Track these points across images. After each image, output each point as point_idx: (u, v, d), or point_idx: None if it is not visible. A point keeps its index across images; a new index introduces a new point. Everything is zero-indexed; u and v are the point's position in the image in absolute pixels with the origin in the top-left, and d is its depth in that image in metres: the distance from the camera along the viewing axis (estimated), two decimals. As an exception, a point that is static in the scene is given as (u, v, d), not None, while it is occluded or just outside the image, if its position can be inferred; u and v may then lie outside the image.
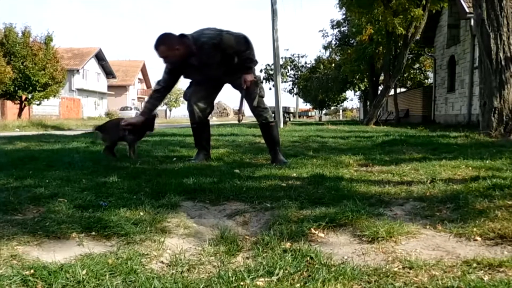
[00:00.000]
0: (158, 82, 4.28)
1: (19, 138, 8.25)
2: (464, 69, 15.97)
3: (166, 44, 3.89)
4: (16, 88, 22.03)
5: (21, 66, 21.91)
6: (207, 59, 3.98)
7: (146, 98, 4.44)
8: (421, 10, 15.14)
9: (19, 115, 23.27)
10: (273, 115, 4.55)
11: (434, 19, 18.57)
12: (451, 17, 17.47)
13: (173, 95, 68.44)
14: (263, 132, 4.38)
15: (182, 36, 3.93)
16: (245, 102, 4.27)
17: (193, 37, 3.94)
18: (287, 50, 55.80)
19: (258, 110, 4.23)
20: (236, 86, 4.28)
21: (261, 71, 35.83)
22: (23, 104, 23.45)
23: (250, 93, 4.16)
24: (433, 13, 16.88)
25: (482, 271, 1.55)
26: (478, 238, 1.90)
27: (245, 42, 4.00)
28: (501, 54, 7.00)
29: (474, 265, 1.60)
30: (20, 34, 22.90)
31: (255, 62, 4.12)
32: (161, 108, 69.32)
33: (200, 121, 4.40)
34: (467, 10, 13.73)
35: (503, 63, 6.99)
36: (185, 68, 4.13)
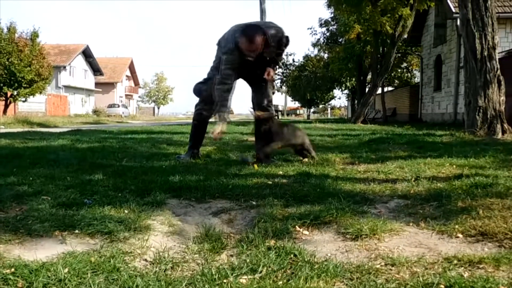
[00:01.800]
0: (223, 82, 3.95)
1: (4, 135, 8.14)
2: (450, 68, 16.14)
3: (261, 35, 3.76)
4: (1, 85, 21.71)
5: (7, 62, 21.58)
6: (268, 52, 3.94)
7: (220, 100, 3.98)
8: (408, 9, 15.27)
9: (4, 112, 22.94)
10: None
11: (421, 19, 18.73)
12: (438, 17, 17.64)
13: (161, 93, 68.15)
14: (259, 130, 4.35)
15: (259, 27, 3.86)
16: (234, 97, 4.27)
17: (264, 27, 3.89)
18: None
19: (268, 103, 4.22)
20: (252, 80, 4.23)
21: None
22: (8, 101, 23.11)
23: (267, 87, 4.19)
24: (421, 13, 17.02)
25: (463, 268, 1.58)
26: (460, 235, 1.93)
27: (288, 40, 4.03)
28: (485, 54, 7.07)
29: (455, 261, 1.62)
30: (5, 30, 22.53)
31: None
32: (148, 105, 68.92)
33: (204, 121, 4.37)
34: (453, 10, 13.86)
35: (487, 62, 7.07)
36: (243, 61, 3.93)
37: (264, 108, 4.21)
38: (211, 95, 4.07)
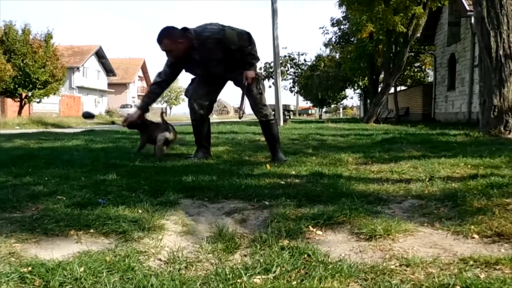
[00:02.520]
0: (159, 75, 4.26)
1: (19, 135, 8.25)
2: (464, 67, 15.96)
3: (169, 37, 3.90)
4: (16, 86, 22.00)
5: (21, 64, 21.88)
6: (209, 55, 3.98)
7: (146, 92, 4.45)
8: (421, 8, 15.12)
9: (19, 112, 23.25)
10: (273, 112, 4.52)
11: (435, 17, 18.55)
12: (451, 15, 17.46)
13: (173, 93, 68.50)
14: (263, 129, 4.38)
15: (185, 29, 3.93)
16: (245, 99, 4.27)
17: (196, 32, 3.94)
18: (285, 48, 55.70)
19: (258, 107, 4.22)
20: (237, 83, 4.27)
21: (260, 69, 35.83)
22: (23, 102, 23.42)
23: (251, 89, 4.16)
24: (434, 11, 16.87)
25: (479, 269, 1.56)
26: (476, 236, 1.91)
27: (248, 38, 3.99)
28: (501, 52, 6.99)
29: (471, 262, 1.60)
30: (20, 32, 22.85)
31: (257, 59, 4.12)
32: (161, 105, 69.36)
33: (201, 119, 4.40)
34: (467, 8, 13.72)
35: (503, 61, 6.98)
36: (187, 62, 4.12)
37: (258, 114, 4.24)
38: (196, 92, 4.31)
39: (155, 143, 4.43)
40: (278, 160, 4.15)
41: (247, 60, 4.06)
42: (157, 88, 4.31)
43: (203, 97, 4.33)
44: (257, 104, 4.21)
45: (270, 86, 27.69)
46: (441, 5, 15.79)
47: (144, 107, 4.34)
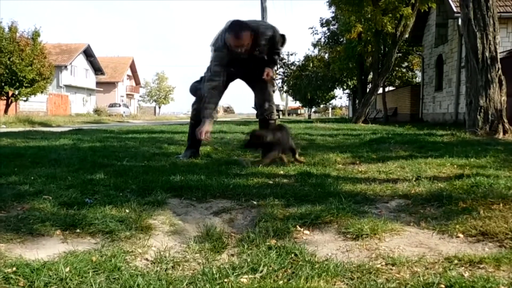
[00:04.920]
0: (212, 79, 3.93)
1: (5, 134, 8.15)
2: (452, 68, 16.12)
3: (249, 30, 3.74)
4: (3, 84, 21.74)
5: (8, 62, 21.62)
6: (260, 50, 3.94)
7: (207, 97, 3.93)
8: (409, 9, 15.24)
9: (6, 111, 22.97)
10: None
11: (423, 18, 18.71)
12: (439, 16, 17.61)
13: (162, 92, 68.17)
14: (262, 127, 4.35)
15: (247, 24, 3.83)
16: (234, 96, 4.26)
17: (253, 26, 3.84)
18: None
19: (270, 105, 4.23)
20: (250, 80, 4.27)
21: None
22: (9, 100, 23.14)
23: (269, 86, 4.18)
24: (422, 12, 16.99)
25: (463, 268, 1.58)
26: (461, 235, 1.93)
27: (280, 37, 4.03)
28: (487, 54, 7.07)
29: (456, 261, 1.63)
30: (6, 29, 22.57)
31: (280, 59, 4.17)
32: (149, 105, 68.96)
33: (200, 120, 4.35)
34: (455, 9, 13.85)
35: (488, 62, 7.06)
36: (233, 59, 3.93)
37: (265, 110, 4.21)
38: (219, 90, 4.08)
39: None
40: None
41: (274, 58, 4.08)
42: (217, 92, 3.98)
43: (218, 96, 4.13)
44: (270, 100, 4.22)
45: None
46: (428, 7, 15.93)
47: (211, 114, 3.98)
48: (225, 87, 4.16)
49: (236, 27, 3.73)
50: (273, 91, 4.24)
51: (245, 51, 3.81)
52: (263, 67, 4.08)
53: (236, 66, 4.03)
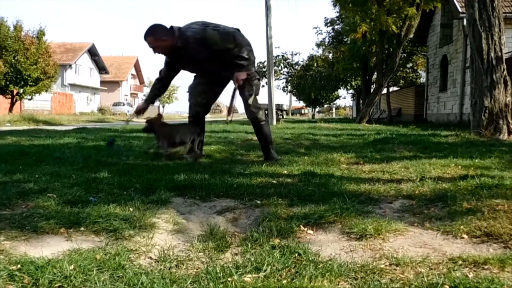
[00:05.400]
0: (159, 72, 4.30)
1: (10, 132, 8.19)
2: (456, 68, 16.07)
3: (153, 34, 3.90)
4: (8, 83, 21.82)
5: (13, 61, 21.69)
6: (195, 54, 3.96)
7: (151, 89, 4.56)
8: (414, 9, 15.19)
9: (10, 109, 23.06)
10: (266, 112, 4.44)
11: (428, 19, 18.66)
12: (444, 17, 17.56)
13: (166, 91, 68.22)
14: (255, 129, 4.36)
15: (170, 28, 3.92)
16: (239, 98, 4.25)
17: (180, 31, 3.92)
18: (279, 47, 55.71)
19: (250, 108, 4.16)
20: (217, 84, 4.30)
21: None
22: (14, 99, 23.23)
23: (244, 91, 4.10)
24: (427, 13, 16.94)
25: (467, 268, 1.57)
26: (465, 236, 1.93)
27: (232, 39, 3.89)
28: (492, 54, 7.04)
29: (460, 262, 1.62)
30: (11, 28, 22.64)
31: (247, 60, 4.00)
32: (155, 104, 69.18)
33: (197, 115, 4.38)
34: (460, 10, 13.80)
35: (494, 63, 7.03)
36: (180, 60, 4.11)
37: (248, 113, 4.19)
38: (194, 89, 4.36)
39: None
40: (269, 160, 4.15)
41: (235, 62, 3.97)
42: (159, 85, 4.36)
43: (202, 94, 4.33)
44: (248, 106, 4.15)
45: (263, 86, 27.69)
46: (433, 7, 15.88)
47: (149, 100, 4.48)
48: (216, 88, 4.39)
49: (145, 31, 3.93)
50: (250, 95, 4.10)
51: (163, 52, 4.02)
52: (227, 69, 4.06)
53: (188, 66, 4.19)
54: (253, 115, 4.19)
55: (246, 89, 4.10)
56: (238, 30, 4.01)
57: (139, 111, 4.44)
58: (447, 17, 17.21)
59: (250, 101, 4.13)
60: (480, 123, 7.13)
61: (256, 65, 4.31)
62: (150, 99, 4.47)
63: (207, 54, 3.94)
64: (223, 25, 4.02)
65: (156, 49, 4.00)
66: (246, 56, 4.00)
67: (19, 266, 1.49)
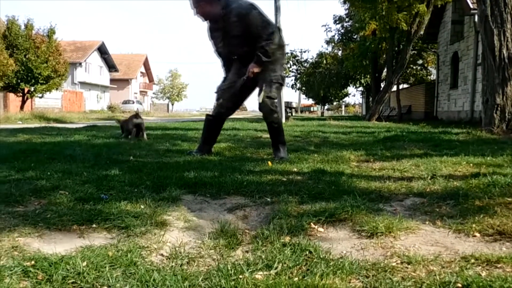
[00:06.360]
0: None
1: (22, 130, 8.27)
2: (468, 65, 15.91)
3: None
4: (19, 81, 22.00)
5: (24, 59, 21.87)
6: (230, 27, 3.97)
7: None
8: (425, 6, 15.07)
9: (22, 107, 23.28)
10: (280, 116, 4.33)
11: (438, 15, 18.48)
12: (455, 13, 17.38)
13: (175, 89, 68.47)
14: (268, 127, 4.35)
15: None
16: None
17: (227, 1, 3.95)
18: (288, 45, 55.52)
19: (264, 109, 4.13)
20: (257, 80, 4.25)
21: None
22: (25, 97, 23.44)
23: (261, 90, 4.08)
24: (437, 9, 16.80)
25: (480, 267, 1.56)
26: (477, 234, 1.91)
27: (270, 33, 3.93)
28: (504, 51, 6.97)
29: (472, 260, 1.61)
30: (22, 27, 22.83)
31: (268, 56, 3.96)
32: (163, 102, 69.34)
33: (218, 116, 4.36)
34: (471, 6, 13.66)
35: (506, 60, 6.96)
36: (215, 33, 4.15)
37: (263, 110, 4.17)
38: (226, 91, 4.26)
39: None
40: (277, 158, 4.13)
41: (257, 52, 3.96)
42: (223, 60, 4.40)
43: (232, 99, 4.30)
44: (264, 106, 4.11)
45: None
46: (444, 4, 15.73)
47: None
48: (244, 94, 4.40)
49: None
50: (268, 97, 4.07)
51: (204, 15, 4.06)
52: (247, 63, 4.05)
53: (220, 41, 4.18)
54: (268, 118, 4.18)
55: (265, 89, 4.08)
56: (279, 28, 4.02)
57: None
58: (458, 13, 17.04)
59: (264, 100, 4.10)
60: (491, 121, 7.07)
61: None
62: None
63: (240, 32, 3.95)
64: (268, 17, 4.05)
65: (198, 10, 4.02)
66: (270, 54, 3.98)
67: (33, 262, 1.51)
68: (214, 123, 4.40)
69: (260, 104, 4.15)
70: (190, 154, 4.30)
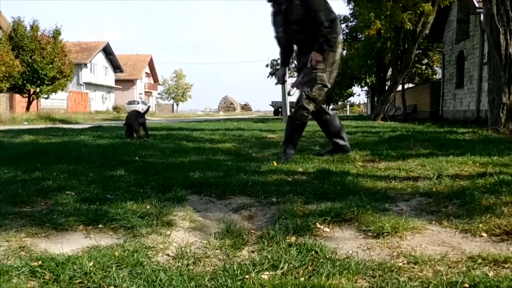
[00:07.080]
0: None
1: (28, 131, 8.31)
2: (473, 64, 15.83)
3: None
4: (25, 82, 22.15)
5: (30, 60, 22.02)
6: (290, 11, 3.96)
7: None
8: (430, 5, 15.00)
9: (27, 108, 23.42)
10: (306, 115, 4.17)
11: (443, 14, 18.39)
12: (460, 12, 17.31)
13: (180, 90, 68.61)
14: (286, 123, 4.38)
15: None
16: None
17: None
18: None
19: (297, 104, 4.12)
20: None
21: (267, 66, 35.78)
22: (31, 98, 23.59)
23: (304, 87, 4.05)
24: (442, 8, 16.70)
25: (487, 267, 1.55)
26: (484, 234, 1.90)
27: (330, 20, 3.89)
28: (510, 50, 6.93)
29: (479, 261, 1.60)
30: (28, 28, 22.99)
31: (330, 45, 3.90)
32: (167, 102, 69.47)
33: (305, 123, 4.28)
34: (476, 5, 13.60)
35: (512, 58, 6.92)
36: (277, 17, 4.17)
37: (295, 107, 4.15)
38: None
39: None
40: (282, 155, 4.11)
41: (319, 40, 3.89)
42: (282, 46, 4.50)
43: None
44: (298, 101, 4.12)
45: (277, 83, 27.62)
46: (449, 3, 15.65)
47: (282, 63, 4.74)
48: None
49: None
50: (305, 94, 4.01)
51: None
52: (309, 49, 4.00)
53: (280, 26, 4.19)
54: (295, 108, 4.17)
55: (306, 86, 4.05)
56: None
57: (281, 77, 4.89)
58: (463, 12, 16.96)
59: (300, 96, 4.09)
60: (498, 120, 7.03)
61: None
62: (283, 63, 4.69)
63: (300, 16, 3.92)
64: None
65: None
66: (332, 43, 3.93)
67: (40, 262, 1.52)
68: (318, 121, 4.54)
69: (297, 100, 4.13)
70: (319, 155, 4.31)
